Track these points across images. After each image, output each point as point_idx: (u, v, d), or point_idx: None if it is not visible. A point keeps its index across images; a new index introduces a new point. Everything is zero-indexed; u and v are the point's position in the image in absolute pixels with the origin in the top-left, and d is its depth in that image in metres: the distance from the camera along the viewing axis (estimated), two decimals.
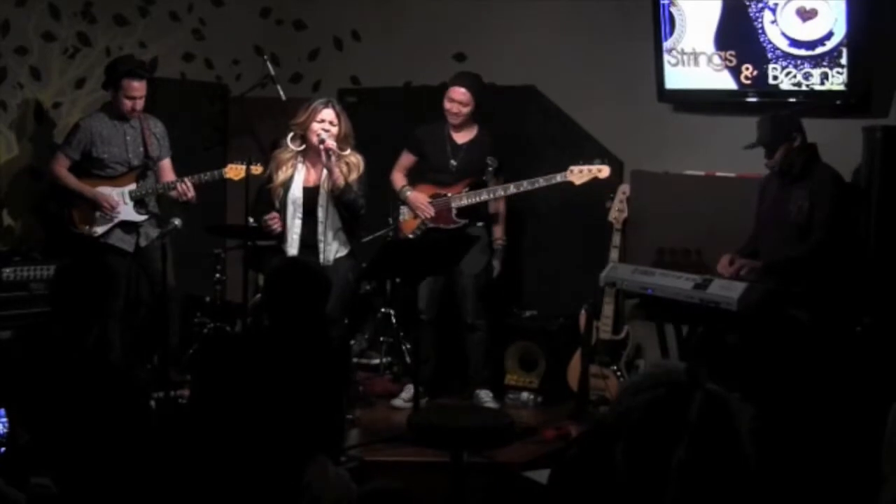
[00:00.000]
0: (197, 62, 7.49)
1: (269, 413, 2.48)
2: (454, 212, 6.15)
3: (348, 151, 5.77)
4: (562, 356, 6.29)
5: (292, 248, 5.77)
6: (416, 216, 6.22)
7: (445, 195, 6.17)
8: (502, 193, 6.10)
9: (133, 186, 6.18)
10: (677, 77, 6.25)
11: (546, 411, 6.21)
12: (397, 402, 6.20)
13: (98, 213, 6.10)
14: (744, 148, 5.39)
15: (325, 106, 5.75)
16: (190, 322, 6.70)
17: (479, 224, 6.23)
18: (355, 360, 6.69)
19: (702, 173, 6.15)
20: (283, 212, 5.81)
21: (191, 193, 6.13)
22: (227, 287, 6.84)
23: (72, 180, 6.12)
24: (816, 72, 5.73)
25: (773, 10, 5.81)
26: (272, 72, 6.95)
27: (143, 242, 6.20)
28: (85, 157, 6.14)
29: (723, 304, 5.14)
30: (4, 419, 3.53)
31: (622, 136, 6.51)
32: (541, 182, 5.98)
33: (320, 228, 5.75)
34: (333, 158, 5.66)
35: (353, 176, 5.75)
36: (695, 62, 6.18)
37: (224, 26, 7.55)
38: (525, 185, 6.00)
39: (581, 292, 6.30)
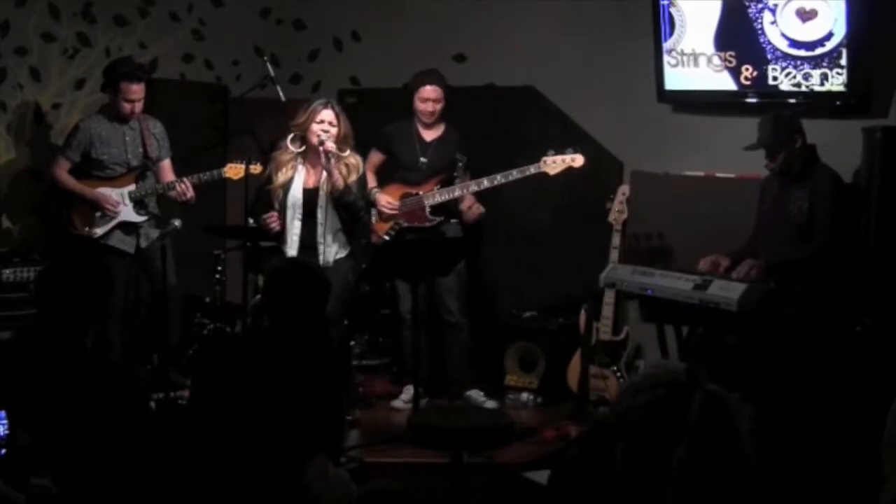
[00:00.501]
0: (197, 63, 7.49)
1: (268, 414, 2.48)
2: (428, 210, 6.14)
3: (347, 152, 5.78)
4: (562, 357, 6.29)
5: (292, 250, 5.77)
6: (388, 218, 6.20)
7: (416, 194, 6.17)
8: (475, 188, 6.09)
9: (132, 187, 6.18)
10: (677, 78, 6.25)
11: (546, 412, 6.20)
12: (397, 403, 6.20)
13: (98, 214, 6.10)
14: (744, 149, 5.38)
15: (325, 107, 5.75)
16: (190, 323, 6.69)
17: (454, 221, 6.23)
18: (355, 361, 6.68)
19: (701, 174, 6.16)
20: (282, 213, 5.81)
21: (190, 193, 6.13)
22: (226, 288, 6.84)
23: (72, 183, 6.12)
24: (816, 72, 5.73)
25: (773, 11, 5.81)
26: (272, 72, 6.95)
27: (143, 243, 6.20)
28: (84, 159, 6.14)
29: (723, 305, 5.14)
30: (4, 420, 3.53)
31: (622, 136, 6.52)
32: (514, 174, 5.98)
33: (320, 230, 5.75)
34: (333, 160, 5.66)
35: (353, 177, 5.75)
36: (694, 63, 6.18)
37: (224, 27, 7.55)
38: (499, 179, 5.99)
39: (581, 293, 6.30)
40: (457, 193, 6.11)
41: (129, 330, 6.16)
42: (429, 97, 6.15)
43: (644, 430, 1.87)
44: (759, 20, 5.86)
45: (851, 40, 5.58)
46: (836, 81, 5.68)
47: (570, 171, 5.97)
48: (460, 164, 6.13)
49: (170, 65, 7.27)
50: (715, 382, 1.91)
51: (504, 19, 7.00)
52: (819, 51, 5.70)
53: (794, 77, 5.81)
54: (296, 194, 5.79)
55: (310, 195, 5.78)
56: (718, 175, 6.07)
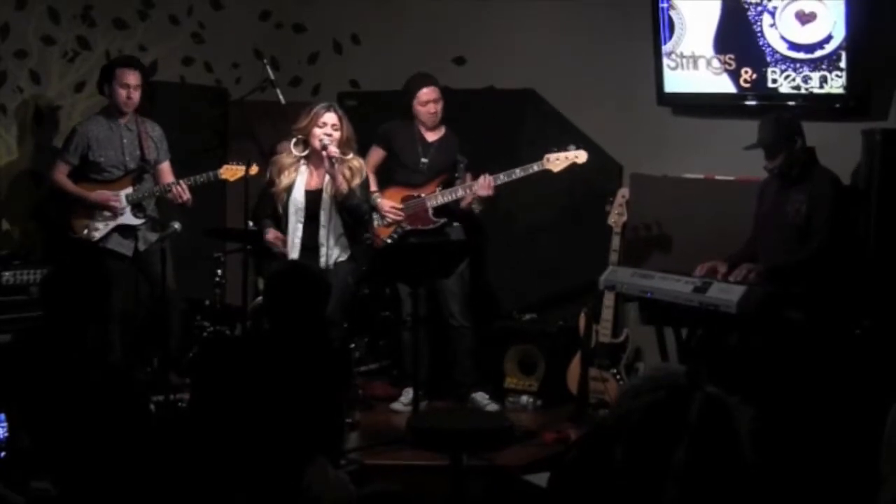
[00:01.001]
0: (196, 66, 7.49)
1: (268, 416, 2.48)
2: (431, 211, 6.14)
3: (350, 156, 5.78)
4: (561, 359, 6.29)
5: (294, 252, 5.78)
6: (391, 222, 6.20)
7: (419, 196, 6.16)
8: (477, 190, 6.03)
9: (129, 190, 6.18)
10: (676, 80, 6.26)
11: (545, 414, 6.21)
12: (396, 405, 6.20)
13: (98, 217, 6.10)
14: (744, 148, 5.38)
15: (327, 110, 5.75)
16: (190, 325, 6.70)
17: (456, 224, 6.22)
18: (355, 364, 6.68)
19: (701, 176, 6.16)
20: (284, 215, 5.82)
21: (186, 196, 6.12)
22: (226, 290, 6.84)
23: (71, 187, 6.12)
24: (815, 75, 5.73)
25: (773, 14, 5.81)
26: (272, 75, 6.95)
27: (141, 247, 6.20)
28: (82, 161, 6.14)
29: (722, 307, 5.14)
30: (4, 423, 3.53)
31: (621, 139, 6.52)
32: (518, 173, 5.95)
33: (322, 233, 5.75)
34: (336, 164, 5.66)
35: (356, 181, 5.75)
36: (694, 65, 6.18)
37: (223, 30, 7.55)
38: (502, 178, 5.96)
39: (580, 295, 6.30)
40: (460, 194, 6.10)
41: (128, 333, 6.16)
42: (429, 98, 6.14)
43: (644, 432, 1.87)
44: (759, 23, 5.87)
45: (851, 43, 5.58)
46: (836, 84, 5.68)
47: (570, 172, 5.96)
48: (461, 166, 6.13)
49: (169, 67, 7.28)
50: (715, 385, 1.91)
51: (504, 22, 7.00)
52: (818, 53, 5.70)
53: (794, 79, 5.81)
54: (298, 197, 5.79)
55: (312, 197, 5.79)
56: (718, 178, 6.07)
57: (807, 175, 5.33)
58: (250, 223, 5.94)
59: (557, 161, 5.92)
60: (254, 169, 5.95)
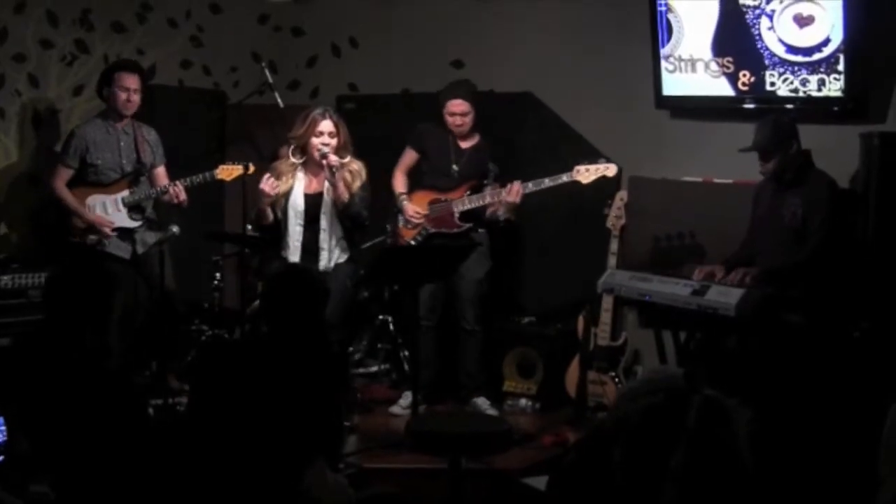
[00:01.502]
0: (195, 69, 7.49)
1: (267, 419, 2.48)
2: (457, 216, 6.14)
3: (348, 158, 5.78)
4: (560, 362, 6.29)
5: (293, 256, 5.78)
6: (415, 225, 6.20)
7: (445, 200, 6.16)
8: (505, 195, 6.00)
9: (126, 193, 6.19)
10: (675, 83, 6.26)
11: (544, 417, 6.21)
12: (395, 408, 6.20)
13: (94, 232, 6.11)
14: (739, 150, 5.39)
15: (323, 117, 5.74)
16: (188, 328, 6.70)
17: (482, 231, 6.22)
18: (354, 367, 6.68)
19: (699, 179, 6.16)
20: (284, 219, 5.82)
21: (182, 196, 6.12)
22: (225, 294, 6.84)
23: (70, 200, 6.10)
24: (813, 78, 5.74)
25: (771, 17, 5.81)
26: (270, 79, 6.96)
27: (139, 250, 6.20)
28: (80, 164, 6.15)
29: (721, 310, 5.15)
30: (3, 427, 3.53)
31: (620, 142, 6.51)
32: (547, 183, 5.93)
33: (323, 236, 5.76)
34: (337, 173, 5.65)
35: (357, 184, 5.76)
36: (692, 68, 6.19)
37: (222, 33, 7.55)
38: (530, 187, 5.94)
39: (579, 298, 6.30)
40: (487, 200, 6.08)
41: (127, 336, 6.16)
42: (455, 111, 6.12)
43: (642, 434, 1.88)
44: (757, 26, 5.87)
45: (849, 46, 5.59)
46: (834, 87, 5.69)
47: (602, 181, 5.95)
48: (492, 174, 6.12)
49: (168, 71, 7.28)
50: (713, 387, 1.91)
51: (502, 25, 7.00)
52: (816, 56, 5.71)
53: (792, 82, 5.82)
54: (297, 201, 5.80)
55: (312, 201, 5.79)
56: (716, 181, 6.07)
57: (803, 178, 5.34)
58: (248, 227, 5.94)
59: (587, 173, 5.90)
60: (251, 168, 5.94)
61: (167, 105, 6.93)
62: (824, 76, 5.69)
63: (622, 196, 6.21)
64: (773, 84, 5.88)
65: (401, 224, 6.27)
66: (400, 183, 6.30)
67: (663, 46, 6.23)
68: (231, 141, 7.47)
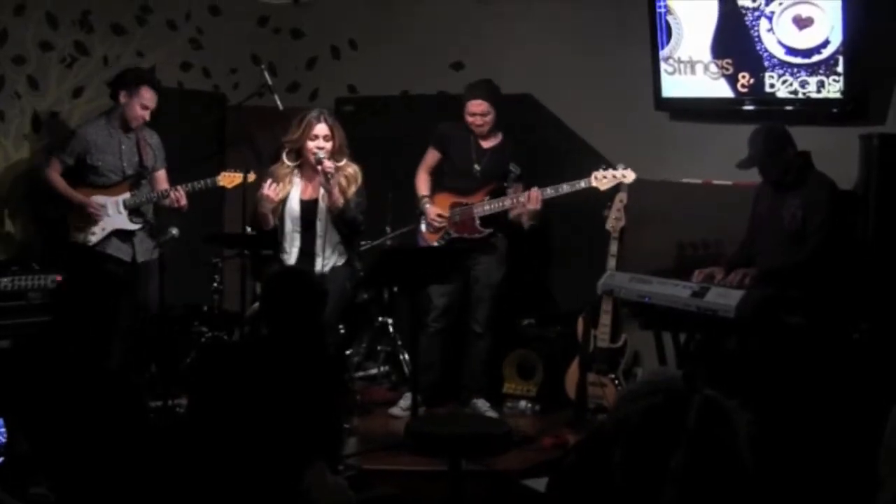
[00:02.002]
0: (194, 71, 7.50)
1: (266, 421, 2.48)
2: (478, 221, 6.14)
3: (344, 161, 5.77)
4: (560, 364, 6.29)
5: (290, 261, 5.79)
6: (437, 229, 6.21)
7: (466, 204, 6.16)
8: (524, 201, 6.00)
9: (127, 195, 6.19)
10: (674, 85, 6.26)
11: (544, 419, 6.22)
12: (395, 410, 6.20)
13: (93, 221, 6.11)
14: (737, 166, 5.39)
15: (318, 120, 5.72)
16: (188, 331, 6.70)
17: (500, 236, 6.21)
18: (353, 369, 6.68)
19: (699, 181, 6.16)
20: (280, 225, 5.82)
21: (183, 201, 6.14)
22: (224, 296, 6.84)
23: (62, 186, 6.13)
24: (813, 80, 5.74)
25: (770, 19, 5.82)
26: (269, 81, 6.96)
27: (139, 258, 6.21)
28: (80, 164, 6.15)
29: (721, 312, 5.15)
30: (2, 429, 3.53)
31: (619, 144, 6.52)
32: (565, 188, 5.94)
33: (318, 242, 5.76)
34: (332, 179, 5.64)
35: (352, 189, 5.75)
36: (692, 70, 6.19)
37: (221, 35, 7.56)
38: (549, 192, 5.94)
39: (579, 300, 6.30)
40: (507, 204, 6.08)
41: (127, 338, 6.16)
42: (475, 111, 6.13)
43: (642, 436, 1.87)
44: (756, 27, 5.87)
45: (848, 47, 5.59)
46: (833, 88, 5.69)
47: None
48: (512, 175, 6.11)
49: (167, 73, 7.28)
50: (713, 389, 1.91)
51: (502, 27, 7.01)
52: (816, 58, 5.71)
53: (791, 84, 5.82)
54: (293, 206, 5.80)
55: (308, 206, 5.79)
56: (716, 182, 6.07)
57: (802, 180, 5.34)
58: (248, 229, 5.94)
59: (605, 179, 5.90)
60: (251, 176, 5.95)
61: (167, 107, 6.92)
62: (824, 78, 5.70)
63: (622, 198, 6.20)
64: (772, 86, 5.88)
65: (424, 228, 6.27)
66: (423, 184, 6.30)
67: (663, 48, 6.24)
68: (231, 143, 7.47)
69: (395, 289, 6.78)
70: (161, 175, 6.38)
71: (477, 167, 6.18)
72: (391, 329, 6.84)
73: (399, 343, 6.80)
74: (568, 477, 2.18)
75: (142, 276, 6.19)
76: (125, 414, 2.81)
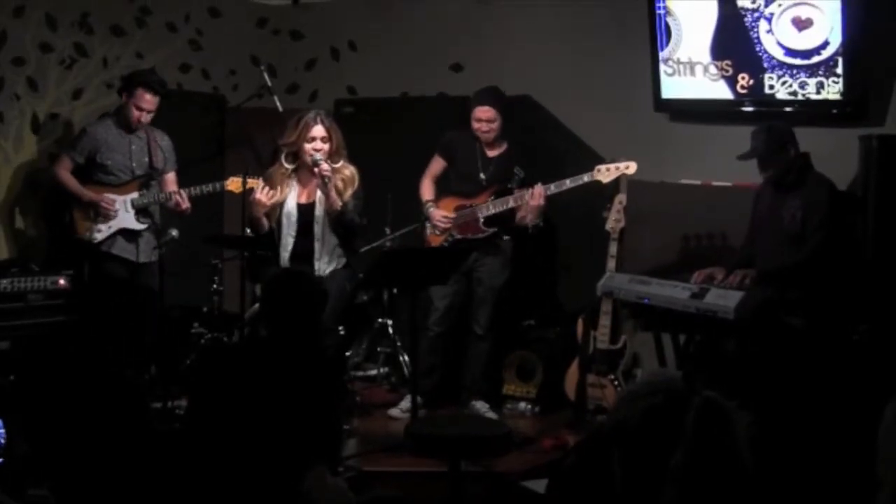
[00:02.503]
0: (194, 72, 7.50)
1: (265, 423, 2.48)
2: (482, 221, 6.14)
3: (341, 163, 5.74)
4: (559, 365, 6.28)
5: (288, 265, 5.77)
6: (441, 230, 6.21)
7: (470, 205, 6.16)
8: (527, 198, 5.96)
9: (135, 195, 6.21)
10: (674, 86, 6.27)
11: (544, 420, 6.21)
12: (395, 411, 6.20)
13: (98, 217, 6.12)
14: (737, 158, 5.39)
15: (315, 122, 5.69)
16: (188, 332, 6.70)
17: (506, 238, 6.21)
18: (353, 370, 6.68)
19: (698, 182, 6.16)
20: (278, 228, 5.81)
21: (185, 205, 6.15)
22: (224, 297, 6.84)
23: (72, 183, 6.16)
24: (812, 81, 5.74)
25: (769, 20, 5.82)
26: (269, 82, 6.96)
27: (142, 258, 6.22)
28: (90, 162, 6.18)
29: (720, 313, 5.15)
30: (2, 430, 3.53)
31: (619, 145, 6.51)
32: (568, 184, 5.91)
33: (317, 246, 5.74)
34: (329, 182, 5.63)
35: (349, 192, 5.72)
36: (691, 72, 6.19)
37: (221, 37, 7.56)
38: (552, 188, 5.91)
39: (578, 301, 6.30)
40: (511, 204, 6.05)
41: (127, 340, 6.16)
42: (482, 118, 6.10)
43: (641, 437, 1.88)
44: (756, 29, 5.87)
45: (847, 48, 5.59)
46: (833, 90, 5.69)
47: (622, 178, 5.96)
48: (517, 178, 6.08)
49: (167, 74, 7.24)
50: (712, 390, 1.91)
51: (501, 29, 7.01)
52: (815, 59, 5.71)
53: (791, 86, 5.82)
54: (291, 210, 5.78)
55: (305, 210, 5.77)
56: (715, 184, 6.07)
57: (802, 181, 5.34)
58: (248, 231, 5.94)
59: (608, 172, 5.88)
60: (255, 182, 5.90)
61: (166, 109, 6.92)
62: (823, 79, 5.70)
63: (621, 199, 6.20)
64: (771, 87, 5.89)
65: (428, 231, 6.27)
66: (427, 190, 6.29)
67: (662, 49, 6.24)
68: (230, 144, 7.47)
69: (395, 290, 6.78)
70: (170, 177, 6.39)
71: (483, 176, 6.16)
72: (391, 330, 6.83)
73: (399, 344, 6.79)
74: (568, 478, 2.18)
75: (144, 276, 6.20)
76: (126, 415, 2.81)
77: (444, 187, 6.33)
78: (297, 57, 7.75)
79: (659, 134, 6.44)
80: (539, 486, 4.35)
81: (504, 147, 6.21)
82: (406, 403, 6.08)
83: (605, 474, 1.91)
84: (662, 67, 6.26)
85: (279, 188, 5.75)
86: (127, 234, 6.19)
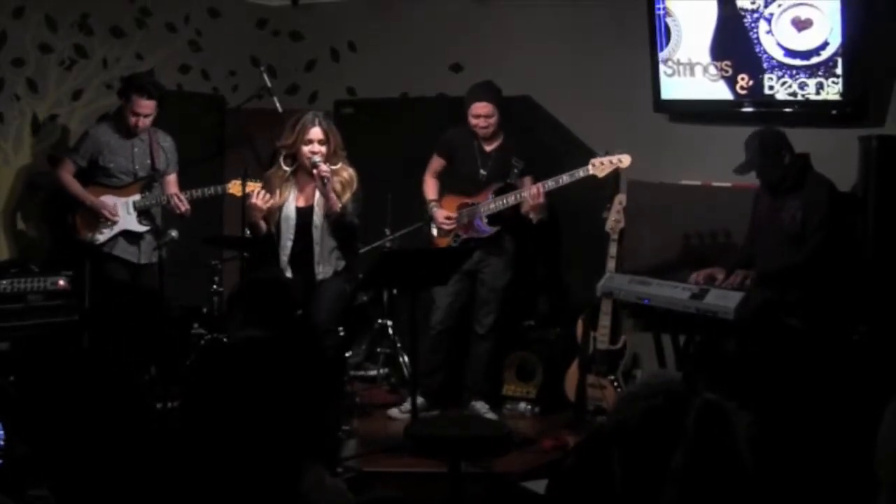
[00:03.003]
0: (193, 73, 7.50)
1: (264, 423, 2.48)
2: (485, 220, 6.14)
3: (339, 165, 5.72)
4: (559, 366, 6.29)
5: (287, 268, 5.75)
6: (447, 232, 6.21)
7: (473, 204, 6.16)
8: (526, 194, 6.00)
9: (137, 197, 6.22)
10: (673, 87, 6.26)
11: (543, 421, 6.21)
12: (394, 412, 6.20)
13: (101, 221, 6.13)
14: (734, 171, 5.39)
15: (313, 124, 5.65)
16: (187, 332, 6.69)
17: (508, 237, 6.21)
18: (353, 371, 6.67)
19: (698, 183, 6.16)
20: (277, 232, 5.80)
21: (185, 207, 6.16)
22: (224, 298, 6.83)
23: (75, 187, 6.17)
24: (812, 81, 5.74)
25: (769, 20, 5.82)
26: (268, 83, 6.96)
27: (142, 259, 6.22)
28: (92, 165, 6.20)
29: (720, 314, 5.15)
30: (1, 431, 3.52)
31: (618, 146, 6.50)
32: (565, 179, 5.93)
33: (316, 249, 5.72)
34: (328, 184, 5.62)
35: (347, 194, 5.69)
36: (691, 72, 6.19)
37: (220, 37, 7.56)
38: (550, 184, 5.94)
39: (578, 302, 6.30)
40: (512, 201, 6.08)
41: (127, 340, 6.16)
42: (479, 113, 6.13)
43: (641, 437, 1.88)
44: (755, 29, 5.87)
45: (847, 49, 5.59)
46: (832, 90, 5.69)
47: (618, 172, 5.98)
48: (515, 170, 6.11)
49: (166, 75, 7.27)
50: (712, 391, 1.91)
51: (500, 29, 7.01)
52: (815, 60, 5.71)
53: (790, 86, 5.82)
54: (290, 214, 5.77)
55: (303, 213, 5.75)
56: (714, 184, 6.07)
57: (801, 182, 5.33)
58: (247, 232, 5.94)
59: (602, 166, 5.90)
60: (254, 186, 5.88)
61: (166, 110, 6.92)
62: (823, 79, 5.70)
63: (621, 199, 6.21)
64: (771, 87, 5.88)
65: (434, 233, 6.27)
66: (430, 188, 6.31)
67: (662, 50, 6.24)
68: (230, 145, 7.47)
69: (395, 291, 6.77)
70: (171, 179, 6.40)
71: (483, 172, 6.19)
72: (391, 331, 6.84)
73: (399, 345, 6.80)
74: (568, 479, 2.18)
75: (145, 277, 6.20)
76: (126, 415, 2.81)
77: (444, 185, 6.34)
78: (297, 58, 7.75)
79: (659, 134, 6.44)
80: (539, 486, 4.35)
81: (500, 140, 6.23)
82: (408, 405, 6.08)
83: (605, 475, 1.91)
84: (662, 68, 6.26)
85: (277, 192, 5.72)
86: (129, 235, 6.21)
